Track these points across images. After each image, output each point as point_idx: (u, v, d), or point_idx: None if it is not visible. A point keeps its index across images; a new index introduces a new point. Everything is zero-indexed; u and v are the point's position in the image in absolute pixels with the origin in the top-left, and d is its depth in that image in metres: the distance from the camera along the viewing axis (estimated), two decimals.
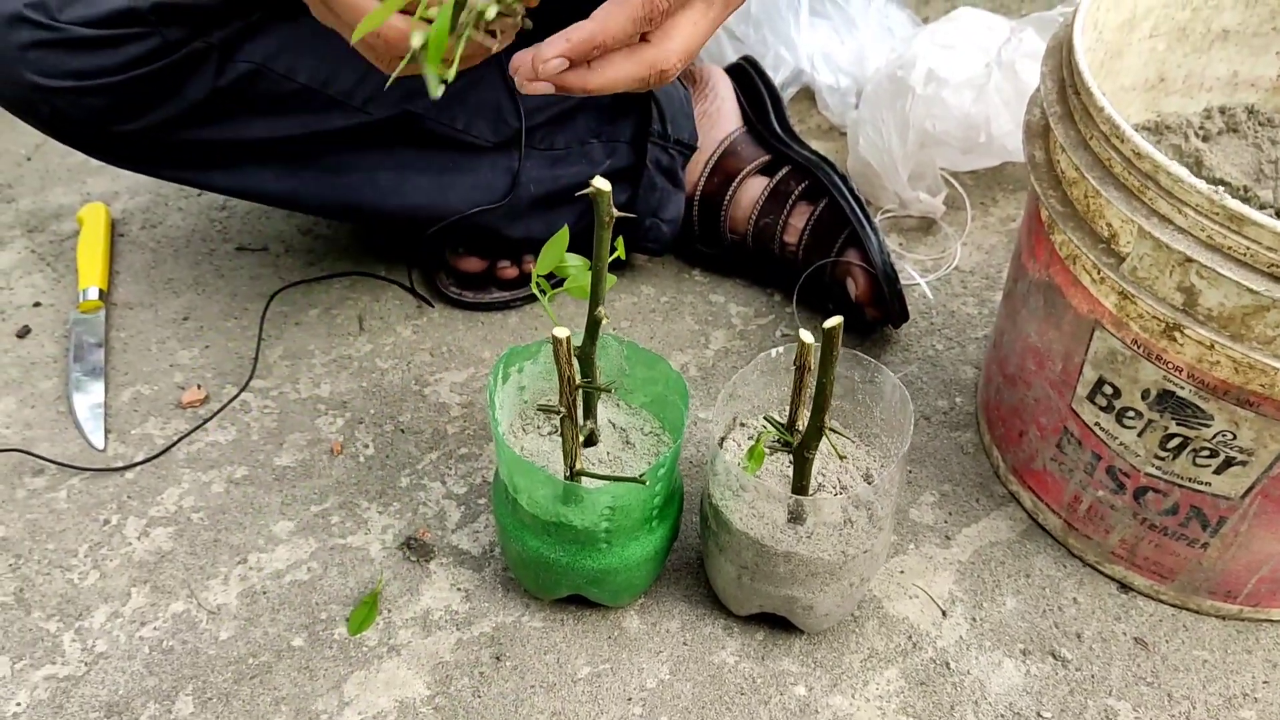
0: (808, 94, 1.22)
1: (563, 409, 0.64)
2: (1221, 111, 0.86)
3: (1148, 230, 0.61)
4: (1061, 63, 0.70)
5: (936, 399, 0.93)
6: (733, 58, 1.18)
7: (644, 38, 0.62)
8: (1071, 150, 0.66)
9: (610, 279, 0.65)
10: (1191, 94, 0.87)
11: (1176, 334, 0.64)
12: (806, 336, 0.62)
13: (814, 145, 1.18)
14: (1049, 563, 0.82)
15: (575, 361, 0.64)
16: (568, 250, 0.65)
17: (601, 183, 0.58)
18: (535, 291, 0.66)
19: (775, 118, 1.01)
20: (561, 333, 0.60)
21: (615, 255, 0.64)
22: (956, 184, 1.10)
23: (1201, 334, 0.61)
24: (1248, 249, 0.58)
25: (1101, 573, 0.81)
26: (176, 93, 0.79)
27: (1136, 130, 0.85)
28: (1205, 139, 0.85)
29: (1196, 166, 0.82)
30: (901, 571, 0.81)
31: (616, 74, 0.61)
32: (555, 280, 0.66)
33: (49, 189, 1.11)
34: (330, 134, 0.85)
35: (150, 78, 0.77)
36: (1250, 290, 0.58)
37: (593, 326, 0.65)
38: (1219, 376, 0.64)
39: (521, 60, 0.59)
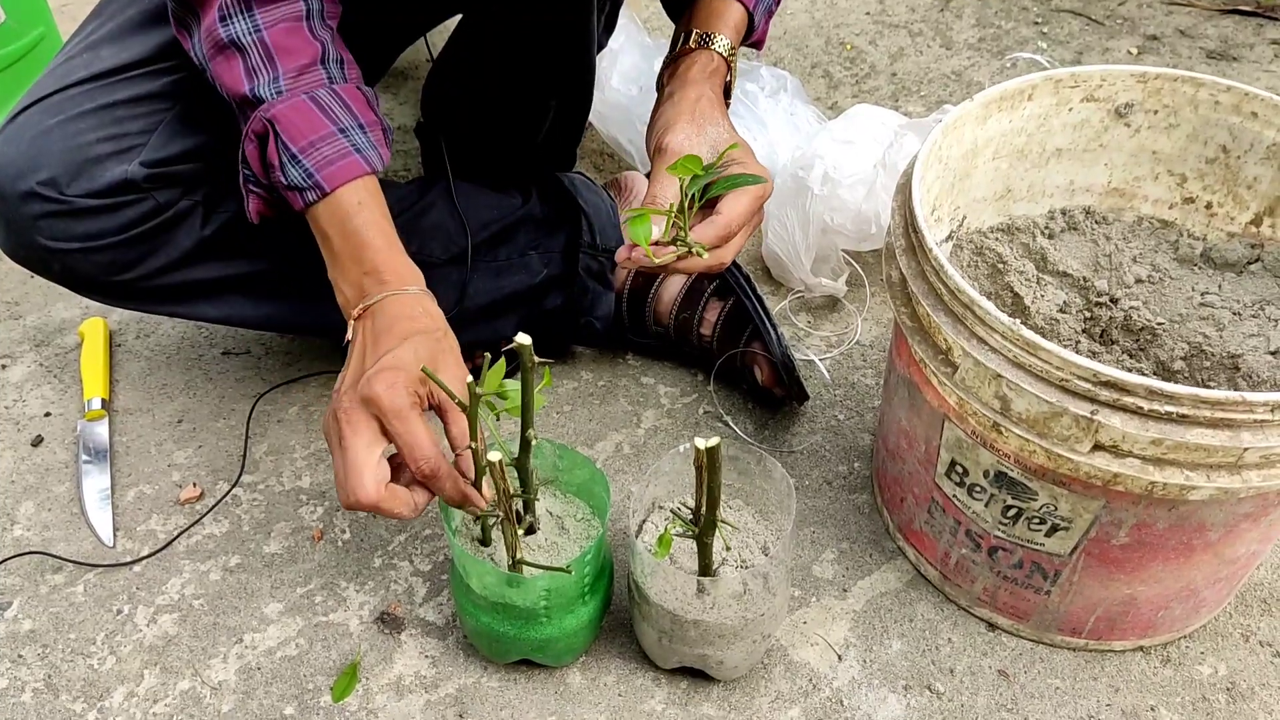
0: None
1: (501, 513, 0.78)
2: (1063, 213, 1.01)
3: (968, 350, 0.76)
4: (905, 202, 0.85)
5: (838, 465, 1.07)
6: None
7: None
8: (912, 279, 0.81)
9: (540, 401, 0.79)
10: (1036, 200, 1.01)
11: (1000, 430, 0.78)
12: (700, 443, 0.76)
13: None
14: (929, 608, 0.96)
15: (511, 473, 0.78)
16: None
17: (523, 338, 0.72)
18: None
19: None
20: (495, 456, 0.74)
21: (542, 384, 0.78)
22: (856, 265, 1.24)
23: (1016, 432, 0.76)
24: (1042, 368, 0.72)
25: (972, 614, 0.95)
26: (168, 244, 0.92)
27: (991, 232, 1.00)
28: (1050, 237, 1.00)
29: (1043, 261, 0.97)
30: (805, 622, 0.95)
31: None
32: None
33: (51, 305, 1.25)
34: (302, 265, 0.99)
35: (146, 235, 0.91)
36: (1046, 401, 0.72)
37: (525, 444, 0.79)
38: (1037, 462, 0.78)
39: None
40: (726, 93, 0.96)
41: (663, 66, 0.99)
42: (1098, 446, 0.74)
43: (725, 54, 0.95)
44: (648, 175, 1.20)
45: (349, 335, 0.83)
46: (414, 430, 0.76)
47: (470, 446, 0.79)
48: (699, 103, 0.90)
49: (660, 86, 0.98)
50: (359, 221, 0.82)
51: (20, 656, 0.92)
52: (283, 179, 0.81)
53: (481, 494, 0.80)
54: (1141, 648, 0.93)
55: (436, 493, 0.79)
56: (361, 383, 0.77)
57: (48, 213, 0.87)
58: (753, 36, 1.01)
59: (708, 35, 0.95)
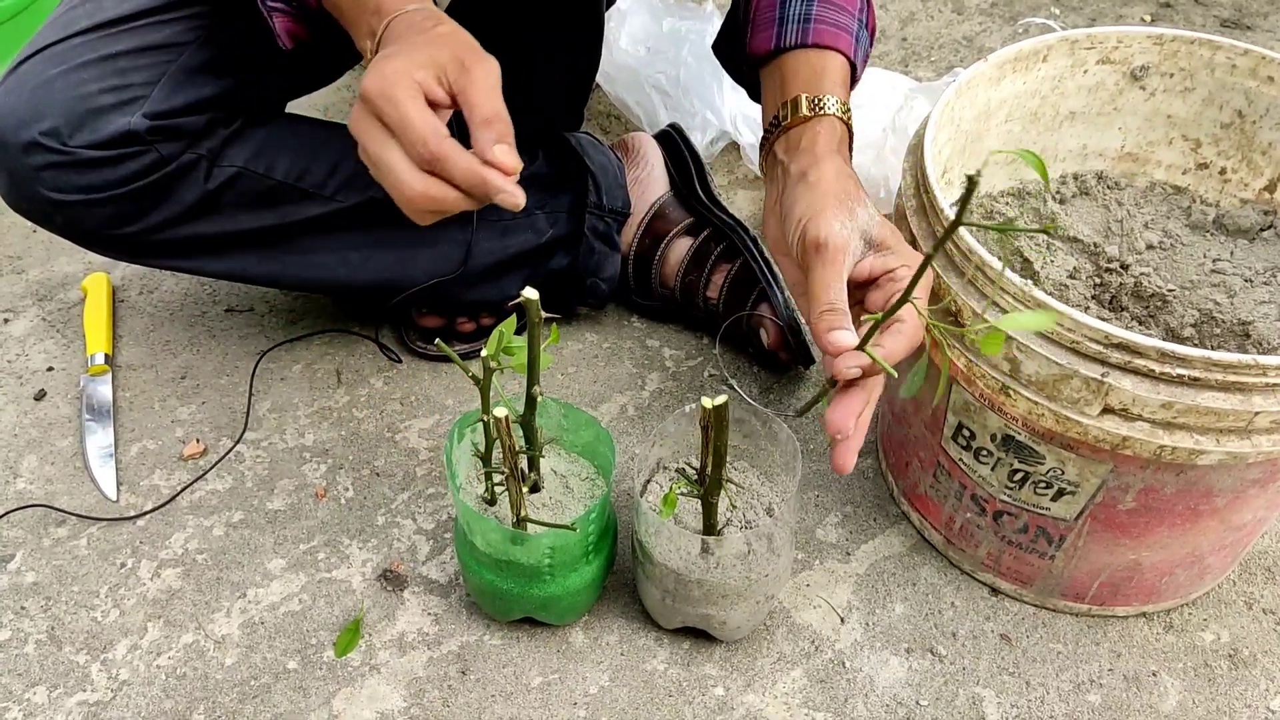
0: (736, 146, 1.36)
1: (506, 470, 0.77)
2: (1075, 178, 1.00)
3: (978, 312, 0.75)
4: (917, 163, 0.84)
5: None
6: (666, 119, 1.32)
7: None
8: (922, 240, 0.80)
9: (547, 359, 0.78)
10: (1048, 164, 1.00)
11: (1009, 393, 0.77)
12: (707, 402, 0.75)
13: (742, 193, 1.33)
14: (933, 572, 0.96)
15: (516, 430, 0.77)
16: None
17: (530, 292, 0.71)
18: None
19: (698, 182, 1.14)
20: (500, 412, 0.73)
21: (549, 340, 0.77)
22: None
23: (1025, 395, 0.75)
24: (1053, 330, 0.72)
25: (976, 579, 0.95)
26: (171, 198, 0.92)
27: (1001, 196, 0.99)
28: (1061, 202, 0.99)
29: (1053, 226, 0.96)
30: (808, 585, 0.95)
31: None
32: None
33: (54, 259, 1.24)
34: (305, 221, 0.98)
35: (149, 188, 0.90)
36: (1056, 363, 0.72)
37: (530, 401, 0.79)
38: (1045, 426, 0.78)
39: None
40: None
41: (770, 137, 0.86)
42: (1107, 410, 0.74)
43: (844, 117, 0.84)
44: (656, 137, 1.19)
45: None
46: (404, 112, 0.68)
47: (483, 420, 0.79)
48: (839, 181, 0.77)
49: (770, 161, 0.86)
50: None
51: (23, 608, 0.92)
52: None
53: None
54: (1144, 614, 0.93)
55: (449, 179, 0.70)
56: (365, 75, 0.70)
57: (50, 163, 0.86)
58: (855, 86, 0.91)
59: (819, 99, 0.83)
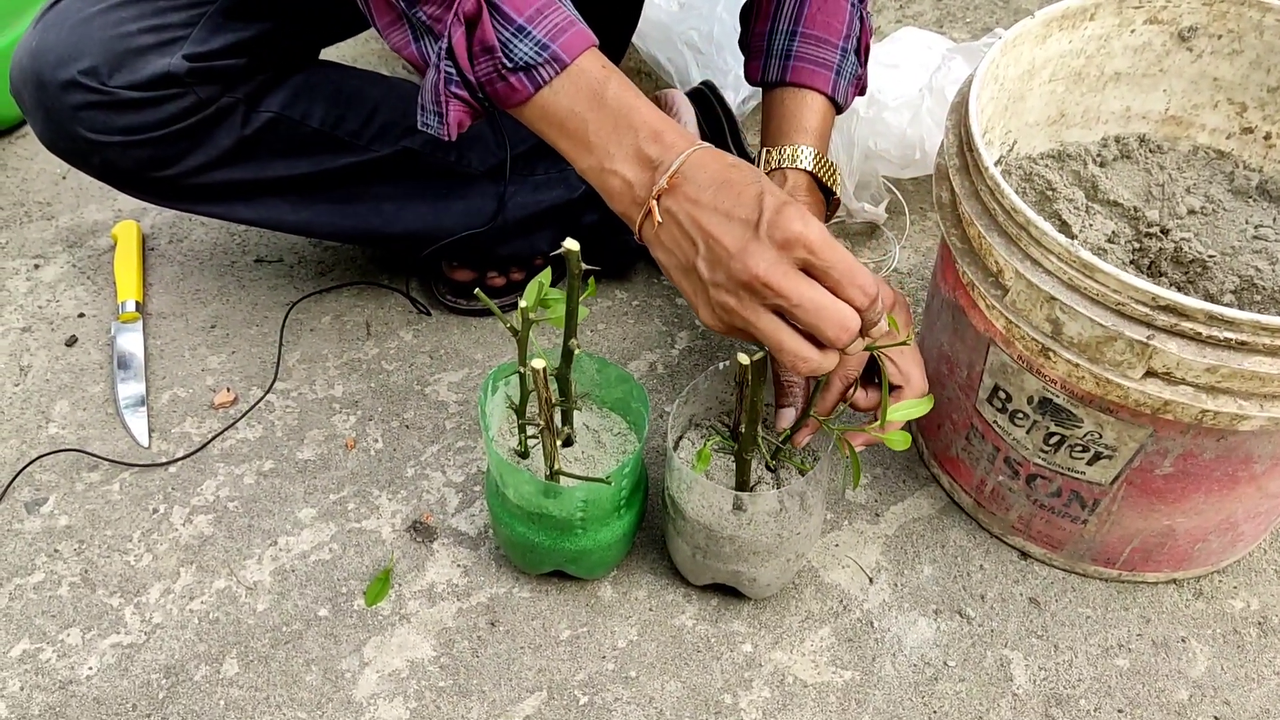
0: None
1: (541, 422, 0.77)
2: (1117, 141, 0.99)
3: (1021, 272, 0.74)
4: (960, 121, 0.83)
5: None
6: (698, 77, 1.30)
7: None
8: (965, 199, 0.79)
9: (583, 312, 0.78)
10: (1090, 126, 0.99)
11: (1049, 354, 0.77)
12: (743, 359, 0.75)
13: None
14: (962, 535, 0.96)
15: (551, 383, 0.77)
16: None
17: (571, 243, 0.70)
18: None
19: (731, 140, 1.13)
20: (538, 364, 0.73)
21: (587, 293, 0.77)
22: (897, 192, 1.22)
23: (1066, 357, 0.75)
24: (1098, 291, 0.71)
25: (1005, 543, 0.95)
26: (208, 142, 0.91)
27: (1041, 159, 0.98)
28: (1102, 165, 0.98)
29: (1093, 190, 0.95)
30: (836, 545, 0.95)
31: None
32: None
33: (84, 206, 1.24)
34: (340, 170, 0.98)
35: (186, 131, 0.89)
36: (1100, 325, 0.71)
37: (567, 354, 0.78)
38: (1084, 389, 0.77)
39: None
40: (828, 196, 0.89)
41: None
42: (1150, 373, 0.73)
43: (811, 169, 0.86)
44: (689, 94, 1.18)
45: (657, 216, 0.72)
46: (848, 256, 0.66)
47: (519, 371, 0.79)
48: None
49: None
50: (615, 86, 0.72)
51: (56, 551, 0.93)
52: (506, 61, 0.70)
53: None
54: (1175, 580, 0.92)
55: (871, 320, 0.68)
56: (766, 228, 0.66)
57: (89, 103, 0.86)
58: (841, 113, 0.94)
59: (793, 151, 0.86)
